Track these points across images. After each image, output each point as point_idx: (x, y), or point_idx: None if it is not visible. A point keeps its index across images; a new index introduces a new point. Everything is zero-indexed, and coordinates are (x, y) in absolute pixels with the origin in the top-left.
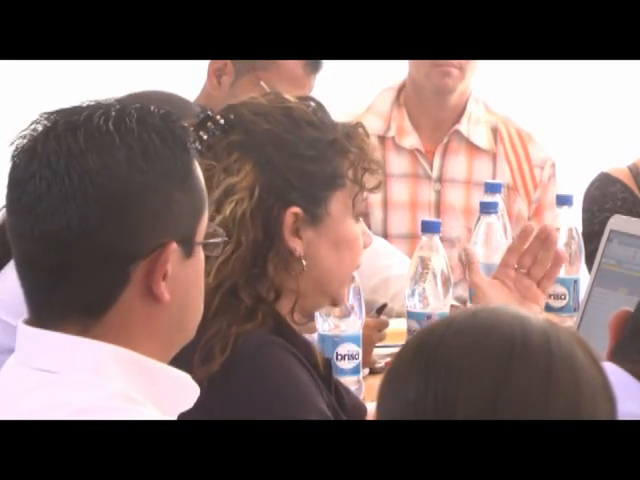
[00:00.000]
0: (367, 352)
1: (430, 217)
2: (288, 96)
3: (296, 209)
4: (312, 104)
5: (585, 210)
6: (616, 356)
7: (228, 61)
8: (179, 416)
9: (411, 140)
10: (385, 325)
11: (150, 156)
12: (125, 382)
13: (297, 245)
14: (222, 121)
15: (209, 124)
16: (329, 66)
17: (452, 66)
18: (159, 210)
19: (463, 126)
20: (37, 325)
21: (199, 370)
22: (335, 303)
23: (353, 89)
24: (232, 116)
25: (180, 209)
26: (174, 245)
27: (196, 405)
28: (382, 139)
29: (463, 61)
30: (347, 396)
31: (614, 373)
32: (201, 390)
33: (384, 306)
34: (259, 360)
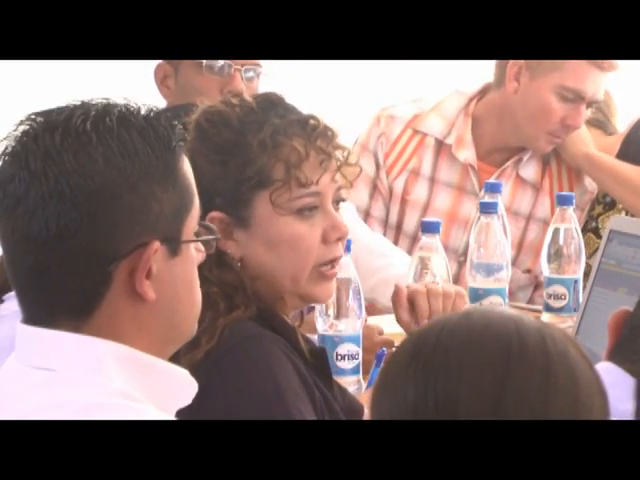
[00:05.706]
0: (370, 353)
1: (464, 234)
2: (235, 98)
3: (216, 214)
4: (254, 101)
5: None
6: (615, 356)
7: (167, 66)
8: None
9: (466, 154)
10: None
11: (128, 154)
12: (124, 379)
13: (229, 247)
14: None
15: None
16: (330, 66)
17: (561, 137)
18: (137, 209)
19: (525, 158)
20: (32, 324)
21: (184, 357)
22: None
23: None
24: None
25: (162, 208)
26: (156, 244)
27: None
28: (440, 143)
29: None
30: (343, 398)
31: (613, 373)
32: None
33: None
34: (241, 354)
